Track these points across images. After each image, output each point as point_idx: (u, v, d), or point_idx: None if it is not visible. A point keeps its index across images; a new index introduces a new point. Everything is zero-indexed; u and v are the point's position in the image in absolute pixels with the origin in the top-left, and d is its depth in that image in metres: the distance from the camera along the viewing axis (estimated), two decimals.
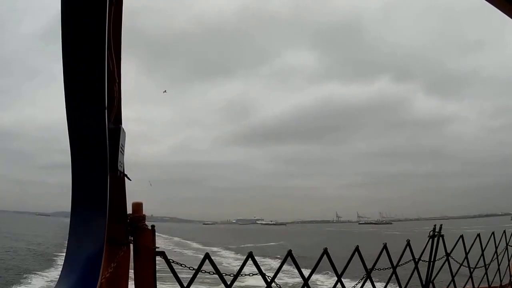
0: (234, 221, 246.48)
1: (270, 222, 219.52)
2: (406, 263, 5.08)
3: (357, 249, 4.48)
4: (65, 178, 2.73)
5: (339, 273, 4.37)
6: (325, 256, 4.30)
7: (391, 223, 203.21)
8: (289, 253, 4.10)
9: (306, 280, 4.23)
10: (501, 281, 6.92)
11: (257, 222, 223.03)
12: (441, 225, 5.53)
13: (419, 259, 5.31)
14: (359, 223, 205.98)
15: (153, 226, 3.41)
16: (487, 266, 6.59)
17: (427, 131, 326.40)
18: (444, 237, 5.55)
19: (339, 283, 4.41)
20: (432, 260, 5.44)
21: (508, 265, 7.21)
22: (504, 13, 3.84)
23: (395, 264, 4.95)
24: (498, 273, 6.97)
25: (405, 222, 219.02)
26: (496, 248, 6.77)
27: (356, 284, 4.67)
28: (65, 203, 2.69)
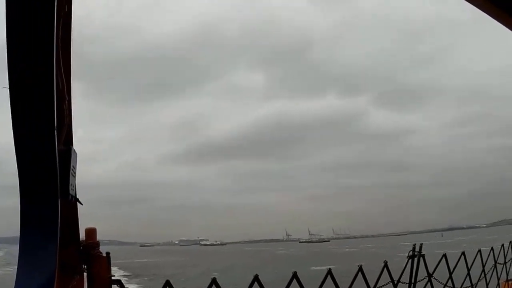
0: (177, 242, 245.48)
1: (215, 243, 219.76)
2: (384, 285, 4.99)
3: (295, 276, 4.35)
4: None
5: None
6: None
7: (328, 241, 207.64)
8: None
9: None
10: None
11: (201, 243, 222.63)
12: (421, 244, 5.40)
13: (398, 281, 5.18)
14: (300, 242, 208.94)
15: (108, 253, 3.34)
16: (474, 286, 6.45)
17: (384, 143, 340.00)
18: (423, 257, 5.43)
19: None
20: (413, 281, 5.32)
21: (498, 284, 7.15)
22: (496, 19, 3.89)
23: (372, 287, 4.84)
24: None
25: (359, 239, 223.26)
26: (484, 266, 6.66)
27: None
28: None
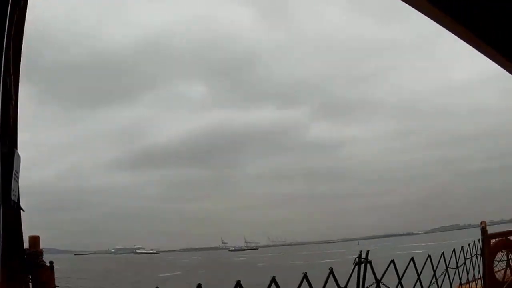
0: (113, 250, 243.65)
1: (151, 251, 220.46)
2: None
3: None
4: None
5: None
6: None
7: (257, 248, 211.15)
8: None
9: None
10: None
11: (137, 251, 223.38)
12: (367, 251, 5.47)
13: (345, 287, 5.16)
14: (229, 250, 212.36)
15: (51, 263, 3.13)
16: None
17: (322, 153, 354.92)
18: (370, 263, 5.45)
19: None
20: None
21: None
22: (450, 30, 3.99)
23: None
24: None
25: (295, 246, 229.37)
26: (434, 271, 6.69)
27: None
28: None
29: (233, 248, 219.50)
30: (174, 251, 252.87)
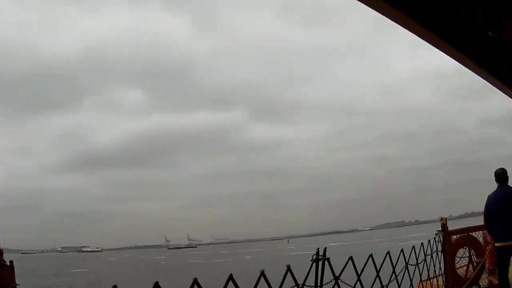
0: (59, 248, 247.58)
1: (96, 249, 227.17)
2: None
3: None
4: None
5: None
6: None
7: (195, 247, 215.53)
8: None
9: None
10: None
11: (82, 249, 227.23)
12: (325, 248, 5.45)
13: (303, 284, 5.23)
14: (168, 248, 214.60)
15: (11, 262, 3.32)
16: (385, 287, 6.44)
17: (262, 153, 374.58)
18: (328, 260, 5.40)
19: None
20: (318, 285, 5.34)
21: (411, 284, 7.31)
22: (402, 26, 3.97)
23: None
24: None
25: (238, 244, 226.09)
26: (394, 267, 6.74)
27: None
28: None
29: (173, 246, 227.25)
30: (118, 249, 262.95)
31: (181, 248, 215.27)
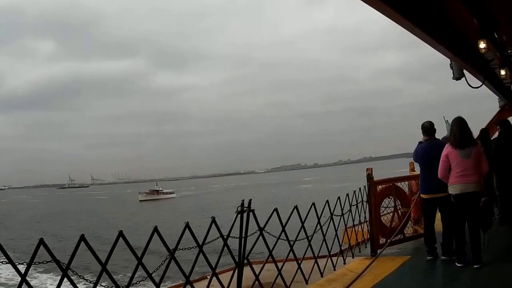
0: None
1: (3, 187, 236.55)
2: (213, 240, 5.05)
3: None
4: None
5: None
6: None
7: (87, 186, 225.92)
8: None
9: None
10: (329, 251, 7.20)
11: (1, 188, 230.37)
12: (250, 199, 5.48)
13: (228, 235, 5.28)
14: (57, 188, 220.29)
15: None
16: (310, 238, 6.64)
17: (166, 98, 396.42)
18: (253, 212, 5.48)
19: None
20: (243, 236, 5.40)
21: (336, 234, 7.48)
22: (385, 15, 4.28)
23: (201, 243, 4.91)
24: (324, 243, 7.13)
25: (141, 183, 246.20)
26: (319, 218, 6.93)
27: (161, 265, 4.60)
28: None
29: (66, 185, 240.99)
30: (24, 187, 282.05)
31: (74, 187, 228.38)
